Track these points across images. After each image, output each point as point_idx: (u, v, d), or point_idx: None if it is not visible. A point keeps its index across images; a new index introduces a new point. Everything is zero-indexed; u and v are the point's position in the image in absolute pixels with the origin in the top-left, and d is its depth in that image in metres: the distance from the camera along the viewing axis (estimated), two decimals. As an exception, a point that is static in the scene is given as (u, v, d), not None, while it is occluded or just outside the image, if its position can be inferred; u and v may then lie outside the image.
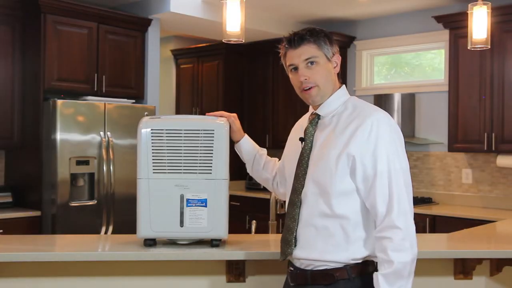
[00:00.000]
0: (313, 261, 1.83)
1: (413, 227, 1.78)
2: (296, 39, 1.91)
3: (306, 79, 1.90)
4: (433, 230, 4.70)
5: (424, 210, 4.85)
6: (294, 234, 1.88)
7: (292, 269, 1.92)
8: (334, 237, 1.79)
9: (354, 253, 1.79)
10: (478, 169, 5.14)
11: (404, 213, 1.75)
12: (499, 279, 2.70)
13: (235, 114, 2.32)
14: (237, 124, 2.29)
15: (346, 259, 1.79)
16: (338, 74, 1.97)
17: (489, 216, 4.48)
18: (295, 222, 1.88)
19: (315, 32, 1.92)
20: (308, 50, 1.90)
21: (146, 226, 2.33)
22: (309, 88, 1.91)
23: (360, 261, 1.80)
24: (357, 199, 1.80)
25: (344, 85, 1.99)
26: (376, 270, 1.76)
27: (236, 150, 2.34)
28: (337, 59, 1.95)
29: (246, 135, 2.33)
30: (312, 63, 1.90)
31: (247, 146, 2.31)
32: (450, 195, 5.30)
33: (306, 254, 1.84)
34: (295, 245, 1.87)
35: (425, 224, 4.73)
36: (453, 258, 2.59)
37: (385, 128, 1.80)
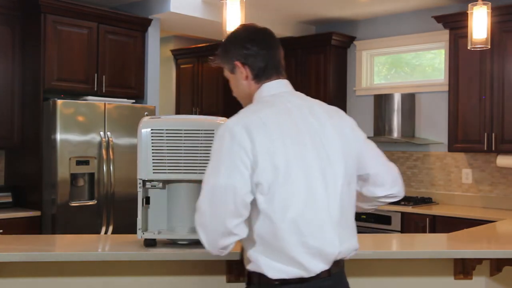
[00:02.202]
0: None
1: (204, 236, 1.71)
2: (212, 63, 1.97)
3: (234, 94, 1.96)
4: (433, 230, 4.70)
5: (424, 210, 4.85)
6: None
7: None
8: None
9: (245, 263, 1.80)
10: (478, 169, 5.14)
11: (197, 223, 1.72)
12: (499, 279, 2.70)
13: None
14: None
15: (247, 266, 1.79)
16: (262, 70, 1.84)
17: (489, 216, 4.48)
18: None
19: (218, 51, 1.92)
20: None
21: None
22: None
23: (252, 270, 1.76)
24: None
25: (262, 85, 1.85)
26: (269, 283, 1.72)
27: None
28: (238, 66, 1.84)
29: None
30: (228, 80, 1.94)
31: None
32: (450, 195, 5.29)
33: None
34: None
35: (425, 224, 4.73)
36: (453, 258, 2.59)
37: (216, 138, 1.73)
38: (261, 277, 1.72)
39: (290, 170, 1.67)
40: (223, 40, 1.93)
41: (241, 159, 1.64)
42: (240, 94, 1.91)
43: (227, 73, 1.91)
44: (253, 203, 1.67)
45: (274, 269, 1.69)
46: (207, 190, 1.68)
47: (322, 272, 1.71)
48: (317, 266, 1.70)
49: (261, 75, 1.84)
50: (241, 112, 1.76)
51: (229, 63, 1.87)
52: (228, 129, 1.69)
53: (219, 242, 1.68)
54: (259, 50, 1.83)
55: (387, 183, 1.90)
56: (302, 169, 1.69)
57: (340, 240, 1.73)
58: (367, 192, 1.90)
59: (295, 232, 1.67)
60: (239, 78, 1.86)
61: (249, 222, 1.70)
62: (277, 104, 1.78)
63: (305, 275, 1.69)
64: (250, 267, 1.75)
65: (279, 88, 1.85)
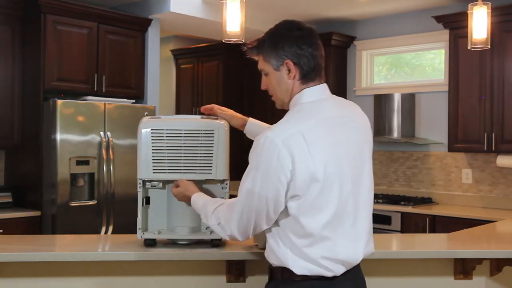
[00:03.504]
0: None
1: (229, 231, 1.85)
2: (246, 52, 1.90)
3: (265, 88, 1.92)
4: (433, 230, 4.70)
5: (424, 210, 4.85)
6: None
7: None
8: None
9: (269, 258, 1.85)
10: (478, 169, 5.14)
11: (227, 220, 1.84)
12: (499, 279, 2.70)
13: (226, 109, 2.33)
14: (234, 115, 2.31)
15: (271, 261, 1.85)
16: (311, 72, 1.82)
17: (489, 216, 4.48)
18: None
19: (260, 43, 1.85)
20: (259, 62, 1.89)
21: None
22: (271, 96, 1.92)
23: (277, 265, 1.81)
24: None
25: (303, 90, 1.82)
26: (291, 278, 1.77)
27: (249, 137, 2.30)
28: (289, 65, 1.80)
29: (250, 119, 2.33)
30: (265, 74, 1.89)
31: (254, 128, 2.29)
32: (450, 195, 5.29)
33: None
34: None
35: (425, 224, 4.73)
36: (453, 258, 2.59)
37: (255, 147, 1.74)
38: (285, 272, 1.78)
39: (327, 182, 1.70)
40: (269, 33, 1.86)
41: (278, 175, 1.68)
42: (278, 92, 1.87)
43: (267, 68, 1.85)
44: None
45: (300, 266, 1.74)
46: (243, 193, 1.76)
47: (343, 273, 1.80)
48: (339, 270, 1.78)
49: (308, 77, 1.82)
50: (282, 123, 1.75)
51: (277, 59, 1.81)
52: (269, 140, 1.69)
53: (249, 234, 1.83)
54: (312, 51, 1.81)
55: None
56: (337, 181, 1.72)
57: (364, 248, 1.83)
58: None
59: (323, 239, 1.73)
60: (283, 76, 1.82)
61: (280, 220, 1.76)
62: (315, 114, 1.76)
63: (328, 274, 1.75)
64: (274, 261, 1.80)
65: (319, 94, 1.83)
